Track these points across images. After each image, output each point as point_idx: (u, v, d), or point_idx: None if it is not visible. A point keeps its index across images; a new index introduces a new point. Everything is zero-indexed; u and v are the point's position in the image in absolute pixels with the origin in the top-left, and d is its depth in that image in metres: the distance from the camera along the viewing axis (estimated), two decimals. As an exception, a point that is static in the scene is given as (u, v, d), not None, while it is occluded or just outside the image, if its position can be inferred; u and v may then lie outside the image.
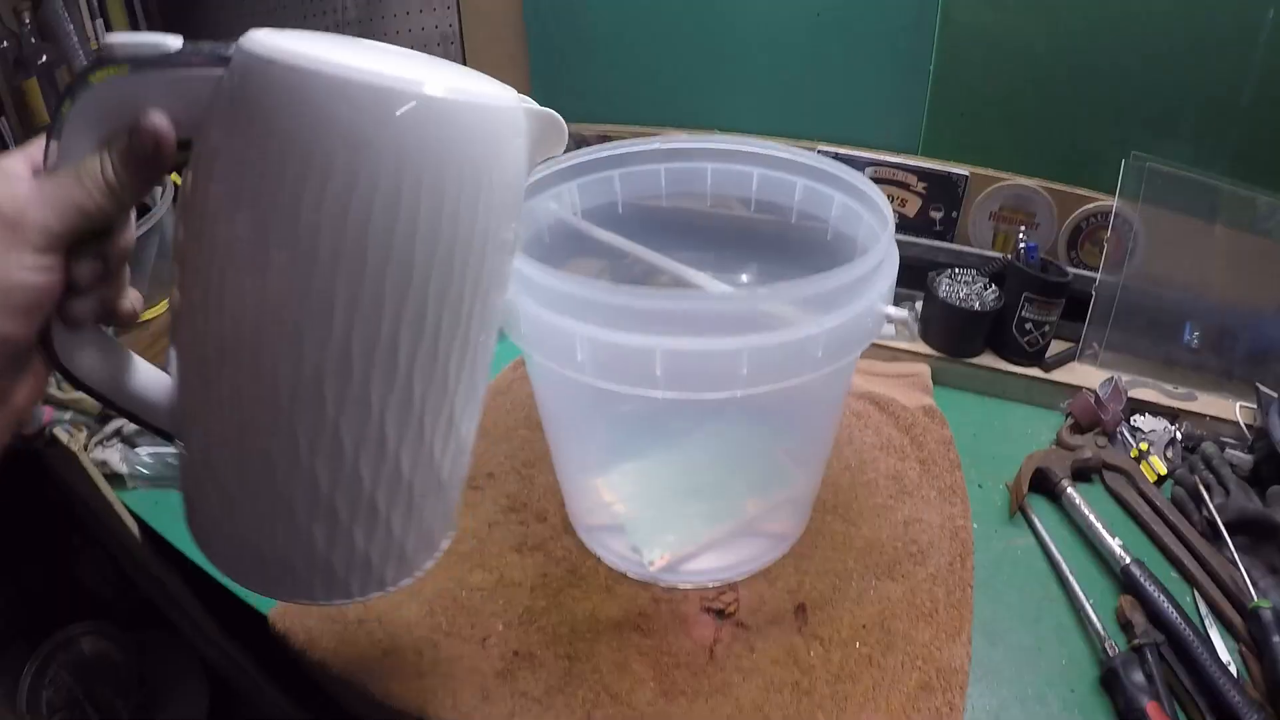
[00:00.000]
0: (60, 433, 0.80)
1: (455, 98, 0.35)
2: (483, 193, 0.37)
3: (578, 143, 1.04)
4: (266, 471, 0.38)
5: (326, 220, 0.34)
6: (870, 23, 0.88)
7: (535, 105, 0.41)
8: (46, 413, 0.81)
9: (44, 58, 1.21)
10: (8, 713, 1.01)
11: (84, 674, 1.03)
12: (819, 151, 0.90)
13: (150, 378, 0.41)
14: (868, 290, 0.51)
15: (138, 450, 0.81)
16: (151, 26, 1.45)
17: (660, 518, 0.70)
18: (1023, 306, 0.83)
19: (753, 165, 0.71)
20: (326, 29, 1.29)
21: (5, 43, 1.19)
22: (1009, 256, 0.86)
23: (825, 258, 0.68)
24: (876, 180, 0.90)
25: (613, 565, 0.68)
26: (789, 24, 0.93)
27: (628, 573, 0.67)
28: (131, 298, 0.40)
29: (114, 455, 0.81)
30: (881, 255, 0.52)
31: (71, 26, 1.24)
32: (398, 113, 0.33)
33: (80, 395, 0.77)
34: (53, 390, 0.82)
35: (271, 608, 0.65)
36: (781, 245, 0.71)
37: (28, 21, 1.20)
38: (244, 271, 0.35)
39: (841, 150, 0.89)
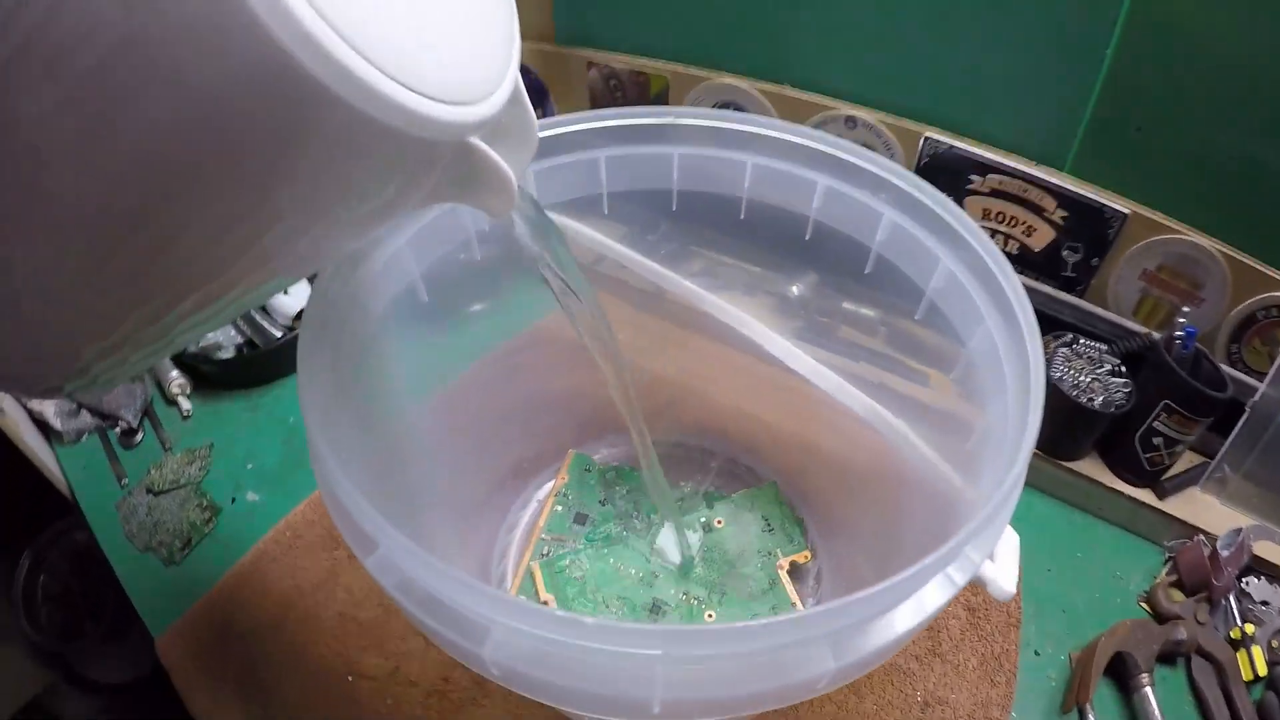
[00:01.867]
0: None
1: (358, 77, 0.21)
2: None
3: (605, 78, 0.80)
4: None
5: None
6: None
7: (489, 152, 0.28)
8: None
9: None
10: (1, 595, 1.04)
11: (78, 564, 1.04)
12: (926, 140, 0.64)
13: None
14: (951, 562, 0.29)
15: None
16: None
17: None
18: (1157, 415, 0.60)
19: (818, 171, 0.47)
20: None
21: None
22: (1155, 337, 0.62)
23: (912, 324, 0.46)
24: (999, 195, 0.64)
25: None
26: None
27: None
28: None
29: (49, 408, 0.77)
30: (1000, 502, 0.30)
31: None
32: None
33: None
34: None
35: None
36: (856, 259, 0.48)
37: None
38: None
39: (958, 144, 0.63)
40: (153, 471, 0.72)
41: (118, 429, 0.77)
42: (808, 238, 0.50)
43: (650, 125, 0.47)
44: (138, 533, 0.69)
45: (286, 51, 0.20)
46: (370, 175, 0.26)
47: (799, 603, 0.58)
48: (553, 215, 0.50)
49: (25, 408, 0.77)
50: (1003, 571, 0.33)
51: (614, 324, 0.59)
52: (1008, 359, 0.37)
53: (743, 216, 0.51)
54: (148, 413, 0.79)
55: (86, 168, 0.23)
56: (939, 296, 0.43)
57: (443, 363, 0.54)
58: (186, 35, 0.20)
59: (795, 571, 0.60)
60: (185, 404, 0.78)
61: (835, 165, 0.46)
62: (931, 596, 0.30)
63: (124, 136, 0.22)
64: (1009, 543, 0.35)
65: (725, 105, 0.71)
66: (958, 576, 0.30)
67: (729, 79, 0.69)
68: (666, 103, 0.75)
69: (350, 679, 0.56)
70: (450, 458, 0.57)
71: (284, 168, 0.23)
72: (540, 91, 0.83)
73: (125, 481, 0.73)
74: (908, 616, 0.30)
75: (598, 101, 0.81)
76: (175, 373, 0.79)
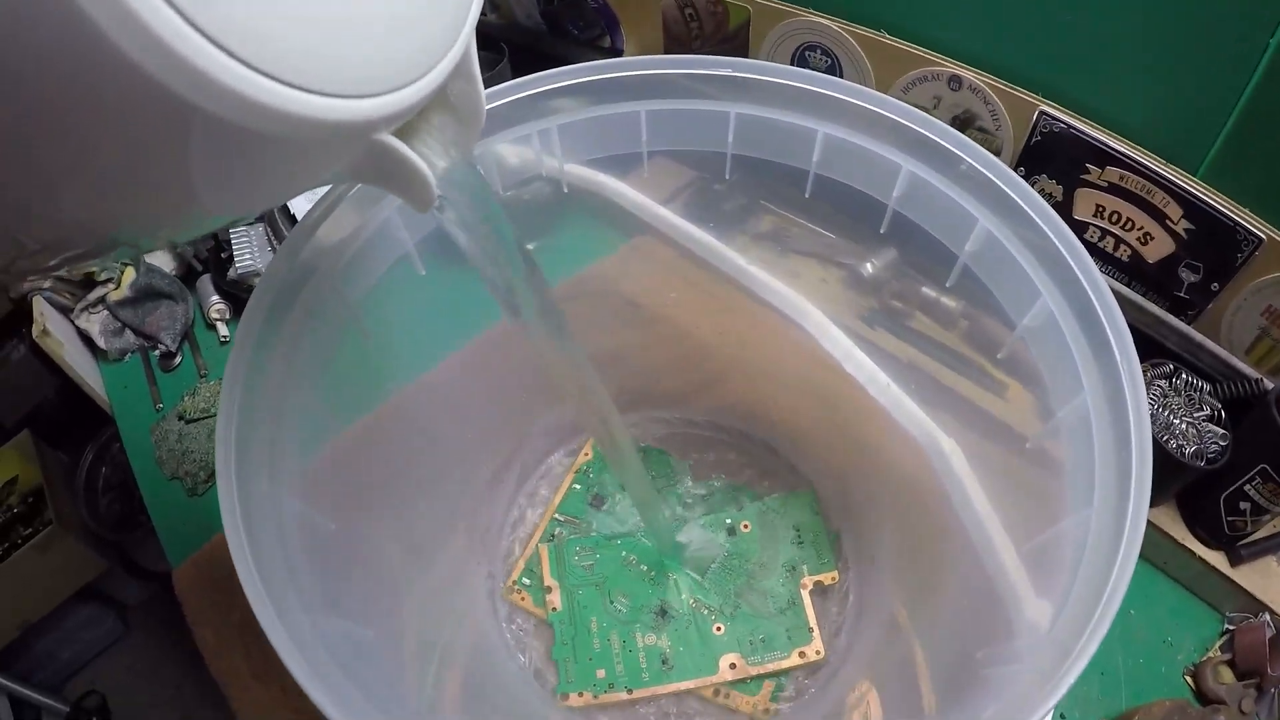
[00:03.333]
0: (40, 301, 0.77)
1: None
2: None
3: (681, 7, 0.69)
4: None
5: None
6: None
7: (399, 148, 0.23)
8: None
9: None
10: (65, 485, 1.14)
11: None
12: (1040, 115, 0.54)
13: None
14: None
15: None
16: None
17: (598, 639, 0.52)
18: (1251, 478, 0.51)
19: (902, 153, 0.38)
20: None
21: None
22: (1267, 386, 0.53)
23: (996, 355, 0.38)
24: (1116, 191, 0.54)
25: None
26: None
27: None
28: None
29: (94, 326, 0.78)
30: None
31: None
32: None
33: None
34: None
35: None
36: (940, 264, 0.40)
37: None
38: None
39: (1076, 124, 0.53)
40: (186, 398, 0.72)
41: (158, 351, 0.77)
42: (883, 231, 0.41)
43: (702, 75, 0.39)
44: (167, 459, 0.69)
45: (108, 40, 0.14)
46: (252, 171, 0.19)
47: (816, 629, 0.52)
48: (587, 170, 0.43)
49: (73, 324, 0.79)
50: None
51: (663, 277, 0.53)
52: (1101, 458, 0.29)
53: (808, 195, 0.42)
54: (187, 336, 0.78)
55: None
56: (1030, 336, 0.35)
57: (453, 328, 0.49)
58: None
59: (820, 592, 0.54)
60: (223, 329, 0.78)
61: (923, 148, 0.37)
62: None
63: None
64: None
65: (811, 48, 0.61)
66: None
67: (818, 17, 0.59)
68: (746, 38, 0.65)
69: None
70: (455, 428, 0.52)
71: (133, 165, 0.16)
72: (610, 20, 0.74)
73: (160, 406, 0.73)
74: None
75: (670, 31, 0.71)
76: (215, 298, 0.78)
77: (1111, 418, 0.31)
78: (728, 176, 0.43)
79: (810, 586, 0.54)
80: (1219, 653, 0.54)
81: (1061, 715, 0.52)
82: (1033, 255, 0.34)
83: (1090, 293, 0.32)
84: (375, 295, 0.41)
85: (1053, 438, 0.34)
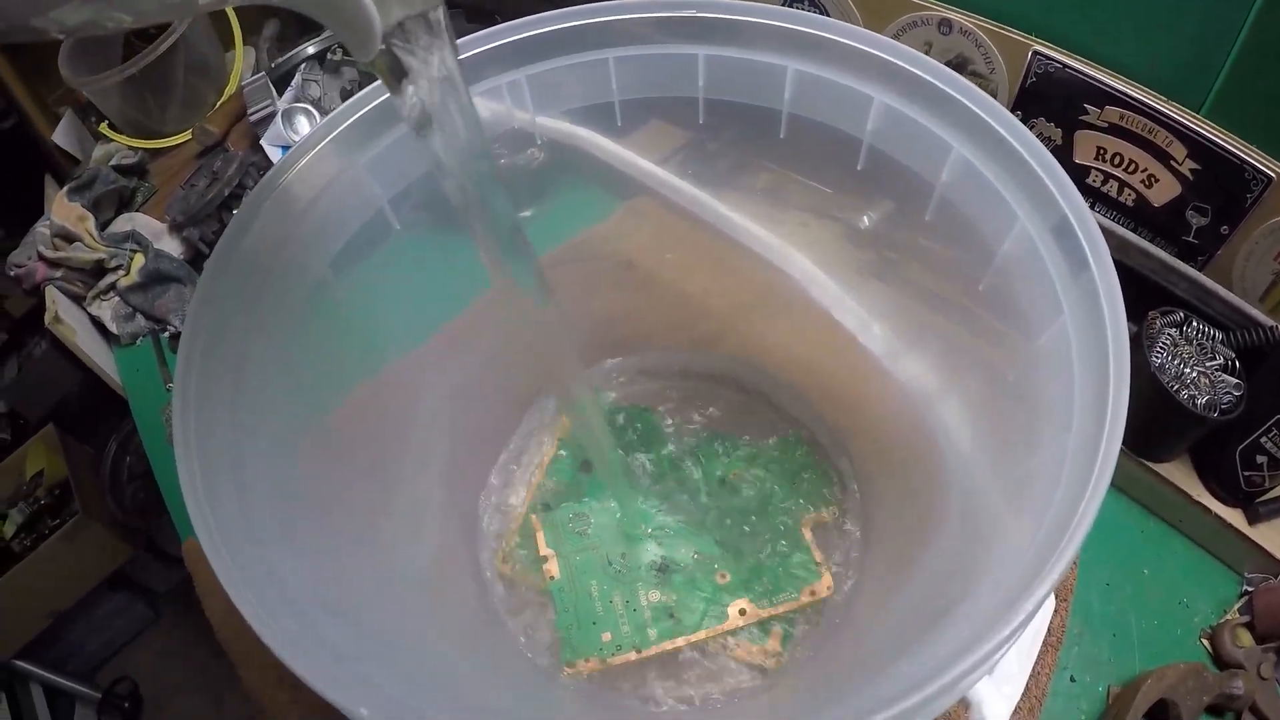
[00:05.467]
0: (53, 291, 0.80)
1: None
2: None
3: None
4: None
5: None
6: None
7: None
8: (40, 270, 0.81)
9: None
10: (91, 475, 1.16)
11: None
12: (1034, 55, 0.52)
13: None
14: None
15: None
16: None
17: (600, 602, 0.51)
18: (1268, 430, 0.49)
19: (875, 86, 0.37)
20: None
21: None
22: (1281, 333, 0.51)
23: (977, 291, 0.37)
24: (1118, 132, 0.52)
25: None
26: None
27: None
28: None
29: (106, 312, 0.80)
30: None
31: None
32: None
33: (71, 253, 0.80)
34: (43, 249, 0.81)
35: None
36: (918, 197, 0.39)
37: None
38: None
39: (1072, 63, 0.51)
40: (193, 380, 0.74)
41: (167, 333, 0.79)
42: (860, 168, 0.40)
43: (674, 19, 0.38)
44: (176, 439, 0.70)
45: None
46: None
47: (824, 564, 0.52)
48: (566, 124, 0.42)
49: (86, 311, 0.81)
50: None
51: (660, 238, 0.52)
52: (1082, 379, 0.28)
53: (783, 135, 0.41)
54: (196, 319, 0.80)
55: None
56: (1011, 264, 0.34)
57: (438, 302, 0.49)
58: None
59: (822, 531, 0.54)
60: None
61: (894, 77, 0.36)
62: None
63: None
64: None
65: (797, -3, 0.60)
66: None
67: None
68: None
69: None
70: (440, 404, 0.52)
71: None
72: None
73: (170, 386, 0.74)
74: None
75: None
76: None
77: (1092, 337, 0.29)
78: (701, 121, 0.42)
79: (812, 525, 0.53)
80: (1237, 615, 0.52)
81: (1071, 678, 0.51)
82: (1009, 178, 0.33)
83: (1066, 208, 0.30)
84: (346, 257, 0.41)
85: (1034, 368, 0.33)
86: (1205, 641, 0.52)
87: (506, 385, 0.58)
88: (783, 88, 0.38)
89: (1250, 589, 0.53)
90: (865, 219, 0.46)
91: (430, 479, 0.52)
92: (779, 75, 0.38)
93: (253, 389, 0.35)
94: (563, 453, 0.58)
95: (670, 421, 0.59)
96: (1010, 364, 0.35)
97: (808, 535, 0.53)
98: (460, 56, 0.39)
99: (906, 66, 0.35)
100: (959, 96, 0.34)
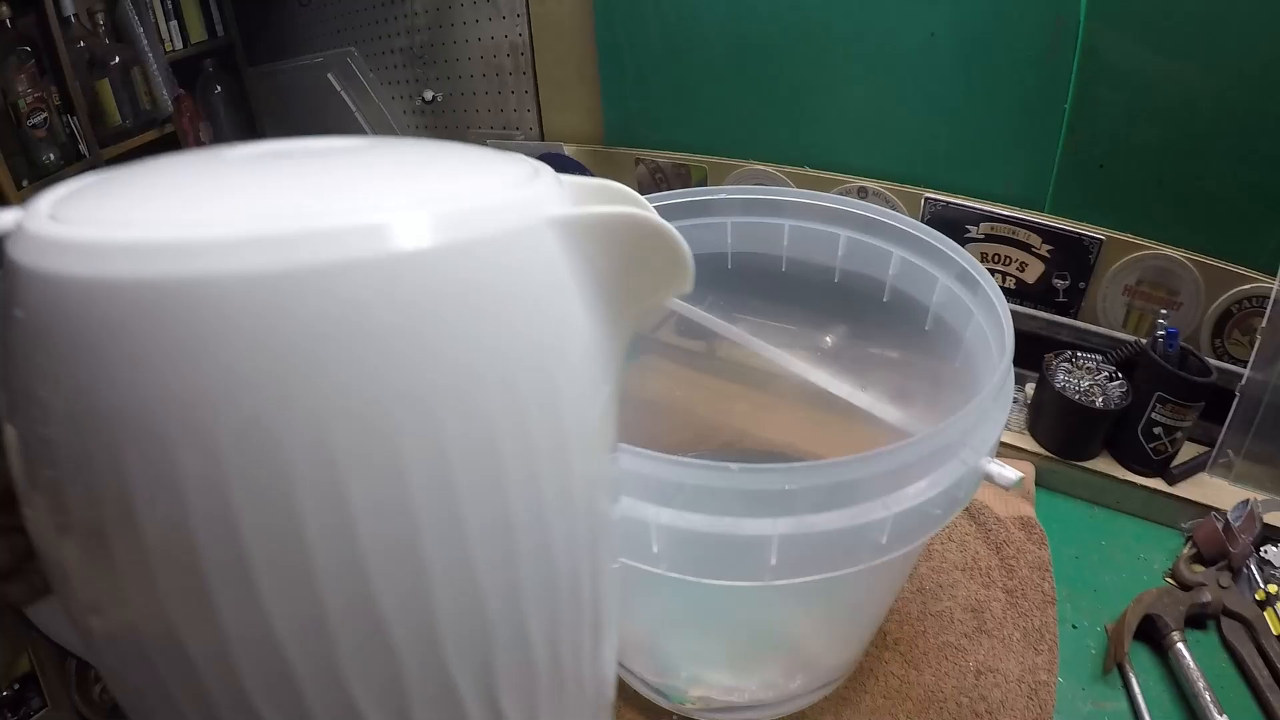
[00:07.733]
0: None
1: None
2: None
3: (651, 171, 0.95)
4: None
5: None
6: (994, 51, 0.73)
7: (580, 209, 0.24)
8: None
9: (116, 59, 1.24)
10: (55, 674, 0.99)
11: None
12: (926, 200, 0.77)
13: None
14: (963, 448, 0.39)
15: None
16: (226, 30, 1.43)
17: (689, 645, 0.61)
18: (1153, 407, 0.70)
19: (839, 227, 0.59)
20: (396, 37, 1.21)
21: (82, 43, 1.21)
22: (1142, 342, 0.72)
23: (923, 343, 0.57)
24: (993, 239, 0.77)
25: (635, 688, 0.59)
26: (896, 47, 0.77)
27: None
28: None
29: None
30: (992, 397, 0.40)
31: (142, 30, 1.27)
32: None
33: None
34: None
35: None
36: (875, 309, 0.60)
37: (102, 23, 1.24)
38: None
39: (953, 200, 0.76)
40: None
41: None
42: (836, 280, 0.62)
43: (701, 201, 0.61)
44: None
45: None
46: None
47: None
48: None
49: None
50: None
51: (672, 383, 0.70)
52: (991, 332, 0.48)
53: (784, 269, 0.63)
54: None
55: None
56: (942, 309, 0.55)
57: None
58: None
59: None
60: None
61: (854, 220, 0.59)
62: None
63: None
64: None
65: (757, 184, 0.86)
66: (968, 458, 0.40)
67: (758, 165, 0.84)
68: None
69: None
70: None
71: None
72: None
73: None
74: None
75: (644, 192, 0.95)
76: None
77: (992, 321, 0.49)
78: (729, 267, 0.63)
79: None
80: (1186, 552, 0.69)
81: (1073, 625, 0.65)
82: (929, 260, 0.55)
83: (963, 263, 0.52)
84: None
85: (969, 355, 0.52)
86: (1169, 579, 0.68)
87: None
88: (783, 237, 0.61)
89: (1190, 532, 0.70)
90: (828, 340, 0.66)
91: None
92: (779, 230, 0.61)
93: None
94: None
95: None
96: (952, 361, 0.55)
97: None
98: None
99: (860, 212, 0.58)
100: (893, 223, 0.56)
